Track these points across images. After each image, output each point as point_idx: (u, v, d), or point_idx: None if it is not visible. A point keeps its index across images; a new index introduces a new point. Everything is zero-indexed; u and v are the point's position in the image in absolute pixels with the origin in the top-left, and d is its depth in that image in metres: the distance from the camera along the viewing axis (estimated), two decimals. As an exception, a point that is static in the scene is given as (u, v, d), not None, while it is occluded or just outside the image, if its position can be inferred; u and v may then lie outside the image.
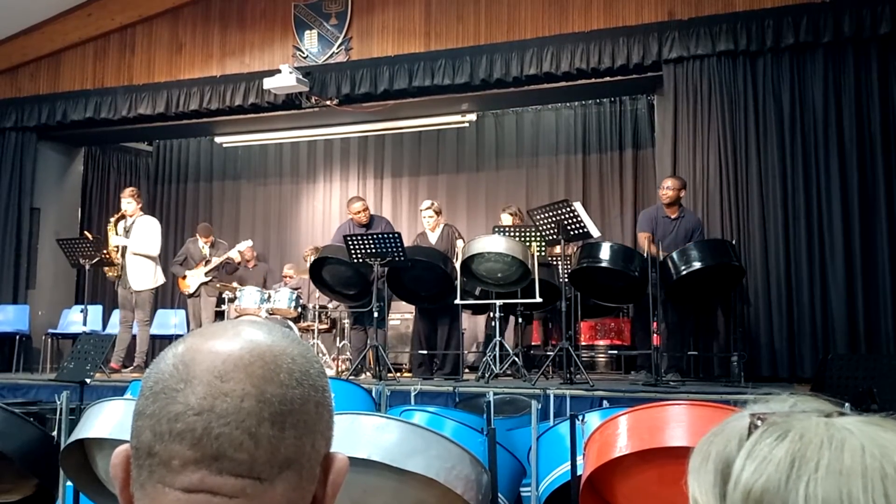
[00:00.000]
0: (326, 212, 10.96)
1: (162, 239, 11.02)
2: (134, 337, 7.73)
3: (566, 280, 6.34)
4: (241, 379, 0.64)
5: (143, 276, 7.50)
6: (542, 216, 6.20)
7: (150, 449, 0.64)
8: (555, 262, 7.04)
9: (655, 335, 5.79)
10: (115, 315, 8.23)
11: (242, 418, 0.63)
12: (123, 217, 7.67)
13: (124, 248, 7.48)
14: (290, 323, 7.89)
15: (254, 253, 9.83)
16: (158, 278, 7.71)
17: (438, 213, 7.38)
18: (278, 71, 8.12)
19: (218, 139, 10.16)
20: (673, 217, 6.50)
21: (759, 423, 0.65)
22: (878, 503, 0.57)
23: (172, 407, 0.63)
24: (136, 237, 7.54)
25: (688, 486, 0.69)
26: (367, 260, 6.41)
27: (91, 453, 3.16)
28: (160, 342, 9.72)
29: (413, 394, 5.36)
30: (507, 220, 7.66)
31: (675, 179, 6.60)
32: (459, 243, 6.99)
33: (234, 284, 8.80)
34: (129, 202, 7.65)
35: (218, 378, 0.64)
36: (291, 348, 0.69)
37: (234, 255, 8.39)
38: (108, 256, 7.29)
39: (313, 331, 7.97)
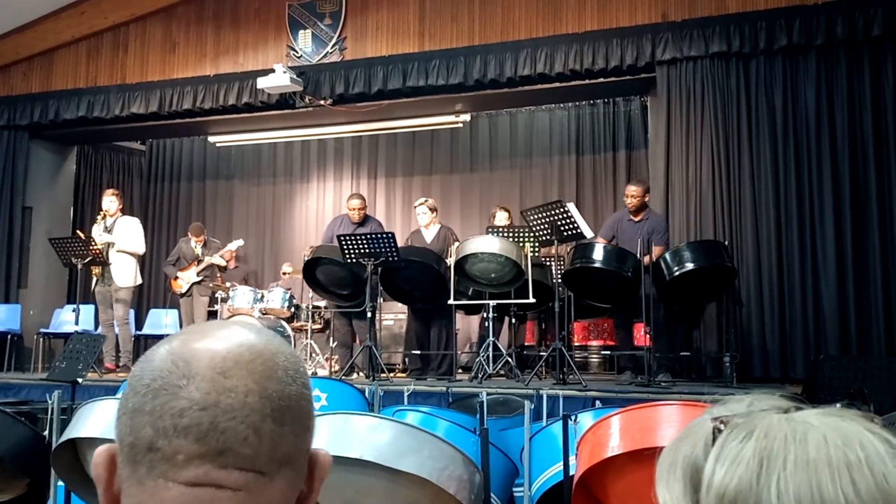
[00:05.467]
0: (320, 212, 10.95)
1: (154, 239, 11.12)
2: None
3: (559, 280, 6.35)
4: (243, 375, 0.65)
5: (126, 273, 7.50)
6: (536, 217, 6.21)
7: (152, 444, 0.64)
8: (548, 263, 7.05)
9: (647, 336, 5.81)
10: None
11: (247, 413, 0.64)
12: (104, 217, 7.66)
13: (109, 244, 7.46)
14: (284, 323, 7.88)
15: (234, 254, 9.76)
16: (138, 278, 7.71)
17: (433, 210, 7.38)
18: (272, 70, 8.11)
19: (211, 138, 10.14)
20: (637, 220, 6.59)
21: (721, 426, 0.66)
22: (846, 490, 0.59)
23: (176, 403, 0.64)
24: (123, 236, 7.53)
25: (657, 494, 0.69)
26: (361, 260, 6.40)
27: (82, 453, 3.15)
28: (153, 342, 9.67)
29: (406, 394, 5.37)
30: (502, 216, 7.68)
31: (640, 186, 6.72)
32: (455, 246, 6.98)
33: (227, 284, 8.78)
34: (111, 201, 7.65)
35: (221, 374, 0.64)
36: (283, 347, 0.70)
37: (218, 261, 8.36)
38: (98, 254, 7.26)
39: (307, 331, 7.96)
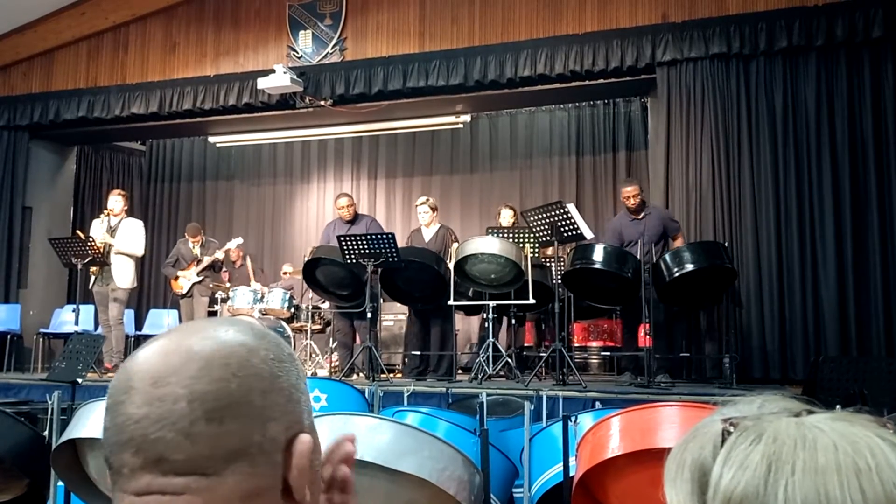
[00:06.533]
0: (320, 212, 10.95)
1: (154, 239, 11.12)
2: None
3: (559, 281, 6.35)
4: (173, 382, 0.67)
5: (125, 274, 7.49)
6: (536, 217, 6.21)
7: (108, 461, 0.69)
8: (548, 264, 7.05)
9: (648, 337, 5.81)
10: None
11: (174, 420, 0.66)
12: (108, 216, 7.65)
13: (108, 245, 7.46)
14: (284, 323, 7.88)
15: (240, 252, 9.80)
16: (135, 280, 7.71)
17: (434, 209, 7.38)
18: (272, 71, 8.11)
19: (211, 139, 10.14)
20: (640, 218, 6.58)
21: (731, 428, 0.66)
22: (854, 498, 0.58)
23: (118, 419, 0.68)
24: (124, 237, 7.52)
25: (664, 494, 0.69)
26: (361, 261, 6.40)
27: (82, 453, 3.15)
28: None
29: (406, 394, 5.37)
30: (507, 214, 7.69)
31: (635, 185, 6.67)
32: (454, 246, 6.98)
33: (227, 284, 8.77)
34: (117, 201, 7.65)
35: (153, 385, 0.67)
36: (231, 341, 0.70)
37: (219, 255, 8.37)
38: (98, 254, 7.25)
39: (306, 331, 7.95)
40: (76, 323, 7.33)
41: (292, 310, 8.11)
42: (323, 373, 7.49)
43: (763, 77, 6.94)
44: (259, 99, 8.49)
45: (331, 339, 7.94)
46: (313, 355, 8.00)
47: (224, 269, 9.33)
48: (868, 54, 6.72)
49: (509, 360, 6.27)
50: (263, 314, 7.91)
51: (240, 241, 8.91)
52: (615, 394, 5.33)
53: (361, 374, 6.56)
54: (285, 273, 9.53)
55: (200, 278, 8.23)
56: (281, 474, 0.69)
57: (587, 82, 7.67)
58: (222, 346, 0.70)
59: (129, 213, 8.05)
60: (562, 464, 3.03)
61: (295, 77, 8.14)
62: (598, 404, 4.99)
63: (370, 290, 6.46)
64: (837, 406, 0.76)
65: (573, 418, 3.06)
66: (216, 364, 0.68)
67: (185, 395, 0.66)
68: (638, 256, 6.04)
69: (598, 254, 6.10)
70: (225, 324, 0.73)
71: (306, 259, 7.06)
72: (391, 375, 6.76)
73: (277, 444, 0.69)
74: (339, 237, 6.56)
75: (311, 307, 8.08)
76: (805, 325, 6.57)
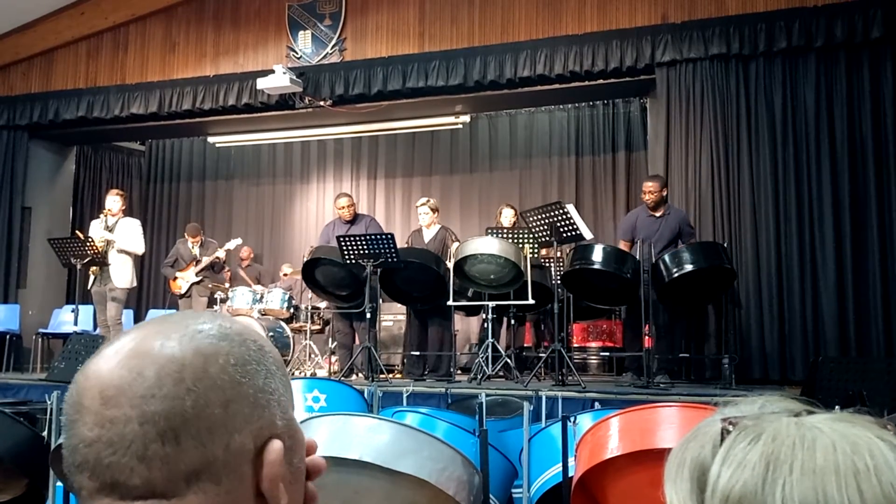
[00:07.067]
0: (320, 212, 10.95)
1: (154, 239, 11.13)
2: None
3: (559, 282, 6.35)
4: (122, 402, 0.63)
5: (124, 274, 7.48)
6: (535, 218, 6.21)
7: (68, 479, 0.66)
8: (547, 264, 7.05)
9: (647, 337, 5.81)
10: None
11: (128, 444, 0.62)
12: (107, 216, 7.65)
13: (108, 243, 7.45)
14: (283, 324, 7.88)
15: (251, 253, 9.86)
16: (134, 280, 7.69)
17: (434, 210, 7.37)
18: (272, 71, 8.12)
19: (211, 139, 10.14)
20: (658, 216, 6.52)
21: (730, 427, 0.66)
22: (852, 499, 0.58)
23: (72, 440, 0.65)
24: (123, 235, 7.52)
25: (664, 493, 0.69)
26: (360, 261, 6.40)
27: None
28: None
29: (405, 395, 5.36)
30: (508, 213, 7.68)
31: (655, 181, 6.61)
32: (454, 246, 6.98)
33: (226, 285, 8.77)
34: (115, 201, 7.64)
35: (103, 405, 0.63)
36: (186, 350, 0.65)
37: (220, 254, 8.38)
38: (97, 254, 7.24)
39: (306, 331, 7.95)
40: (75, 323, 7.32)
41: (291, 310, 8.11)
42: (322, 373, 7.49)
43: (762, 78, 6.94)
44: (258, 99, 8.49)
45: (330, 340, 7.94)
46: (312, 356, 8.00)
47: (227, 268, 9.33)
48: (867, 55, 6.73)
49: (508, 361, 6.27)
50: (262, 314, 7.91)
51: (238, 241, 8.92)
52: (614, 394, 5.33)
53: (360, 375, 6.56)
54: (285, 274, 9.54)
55: (199, 279, 8.23)
56: (252, 485, 0.65)
57: (587, 83, 7.67)
58: (176, 356, 0.64)
59: (129, 213, 8.05)
60: (561, 464, 3.03)
61: (294, 77, 8.14)
62: (597, 405, 4.99)
63: (369, 290, 6.45)
64: (836, 407, 0.76)
65: (572, 419, 3.06)
66: (168, 380, 0.63)
67: (136, 417, 0.62)
68: (645, 254, 6.01)
69: (598, 254, 6.10)
70: (185, 324, 0.67)
71: (305, 259, 7.06)
72: (390, 376, 6.76)
73: (244, 455, 0.65)
74: (338, 237, 6.56)
75: (310, 307, 8.08)
76: (804, 325, 6.57)
